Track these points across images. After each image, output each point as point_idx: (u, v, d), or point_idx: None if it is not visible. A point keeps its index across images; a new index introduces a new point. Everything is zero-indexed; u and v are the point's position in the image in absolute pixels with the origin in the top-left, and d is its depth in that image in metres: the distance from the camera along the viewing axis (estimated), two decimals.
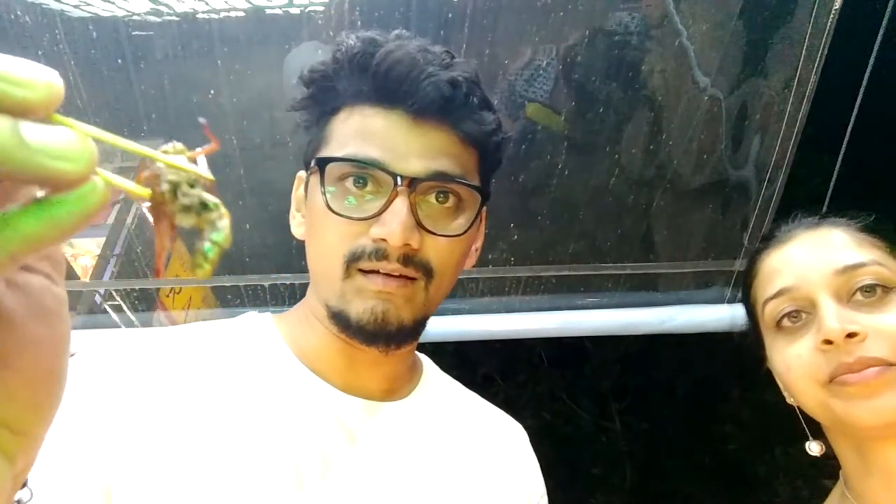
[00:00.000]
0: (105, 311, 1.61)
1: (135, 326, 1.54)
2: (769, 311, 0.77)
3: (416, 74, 0.62)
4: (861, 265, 0.71)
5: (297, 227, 0.74)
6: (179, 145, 0.33)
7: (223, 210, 0.33)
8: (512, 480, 0.77)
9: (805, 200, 1.57)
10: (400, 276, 0.63)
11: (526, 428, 0.85)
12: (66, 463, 0.54)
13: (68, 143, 0.23)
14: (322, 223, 0.65)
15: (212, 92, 1.33)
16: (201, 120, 0.34)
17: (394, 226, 0.60)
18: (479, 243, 0.76)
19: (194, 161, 0.33)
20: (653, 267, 1.57)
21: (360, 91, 0.65)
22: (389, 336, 0.65)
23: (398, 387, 0.74)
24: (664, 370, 3.93)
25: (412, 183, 0.62)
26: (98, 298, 1.62)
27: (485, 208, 0.71)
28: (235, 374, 0.65)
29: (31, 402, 0.27)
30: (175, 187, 0.31)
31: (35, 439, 0.28)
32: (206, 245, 0.33)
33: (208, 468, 0.58)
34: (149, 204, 0.32)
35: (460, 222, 0.66)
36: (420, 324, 0.67)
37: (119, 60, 1.28)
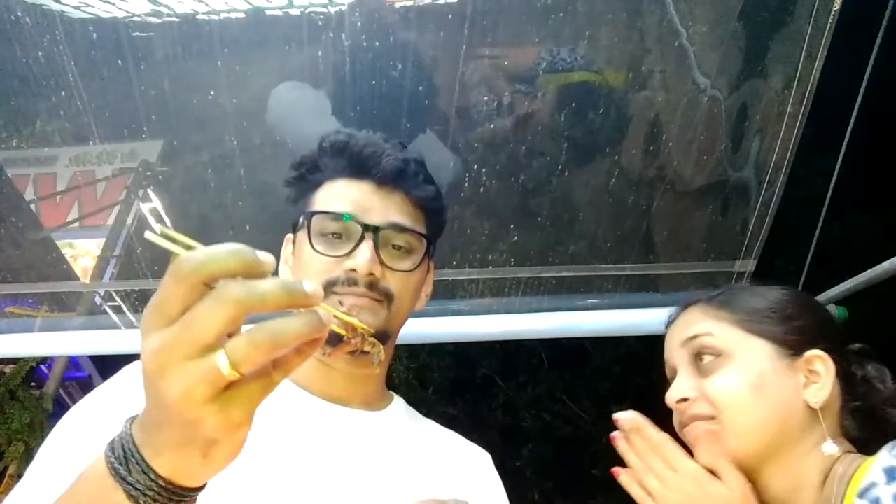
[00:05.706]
0: (105, 312, 1.61)
1: (135, 327, 1.54)
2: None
3: (380, 154, 0.86)
4: (693, 337, 0.88)
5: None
6: (361, 324, 0.64)
7: (377, 342, 0.71)
8: (479, 502, 0.86)
9: (805, 201, 1.57)
10: (366, 297, 0.82)
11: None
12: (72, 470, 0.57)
13: (293, 285, 0.41)
14: (308, 262, 0.84)
15: (212, 93, 1.33)
16: None
17: (360, 259, 0.80)
18: (428, 289, 0.96)
19: (359, 329, 0.64)
20: (653, 268, 1.57)
21: (338, 168, 0.88)
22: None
23: (373, 400, 0.89)
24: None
25: (375, 230, 0.83)
26: (98, 299, 1.62)
27: (431, 262, 0.95)
28: None
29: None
30: (365, 335, 0.64)
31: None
32: (376, 360, 0.73)
33: None
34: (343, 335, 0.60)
35: (412, 260, 0.87)
36: (381, 337, 0.80)
37: (119, 61, 1.28)
